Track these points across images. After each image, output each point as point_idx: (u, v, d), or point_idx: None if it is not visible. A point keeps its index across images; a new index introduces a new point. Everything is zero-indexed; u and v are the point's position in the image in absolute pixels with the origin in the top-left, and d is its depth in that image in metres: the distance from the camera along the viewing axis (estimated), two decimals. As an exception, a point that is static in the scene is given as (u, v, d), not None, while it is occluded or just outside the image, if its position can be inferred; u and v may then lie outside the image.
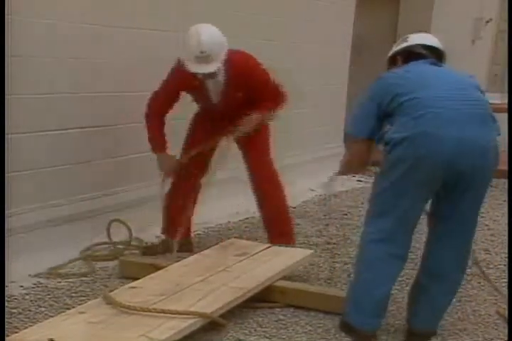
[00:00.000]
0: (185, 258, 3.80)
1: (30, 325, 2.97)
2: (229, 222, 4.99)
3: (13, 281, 3.54)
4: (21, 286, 3.55)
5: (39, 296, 3.46)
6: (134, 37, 4.39)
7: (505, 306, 3.50)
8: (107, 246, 4.22)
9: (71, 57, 4.01)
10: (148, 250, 4.22)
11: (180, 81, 3.87)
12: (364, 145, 3.13)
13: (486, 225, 5.28)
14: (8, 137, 3.40)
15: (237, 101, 3.95)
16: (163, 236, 4.28)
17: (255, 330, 3.19)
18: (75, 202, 4.16)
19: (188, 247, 4.23)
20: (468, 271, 3.50)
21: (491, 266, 4.29)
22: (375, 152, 3.19)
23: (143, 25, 4.44)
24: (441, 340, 3.20)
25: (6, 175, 3.35)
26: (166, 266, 3.59)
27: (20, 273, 3.60)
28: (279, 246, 4.00)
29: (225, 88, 3.91)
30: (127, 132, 4.42)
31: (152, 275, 3.44)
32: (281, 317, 3.35)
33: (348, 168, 3.35)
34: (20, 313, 3.24)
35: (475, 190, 2.98)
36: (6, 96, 3.22)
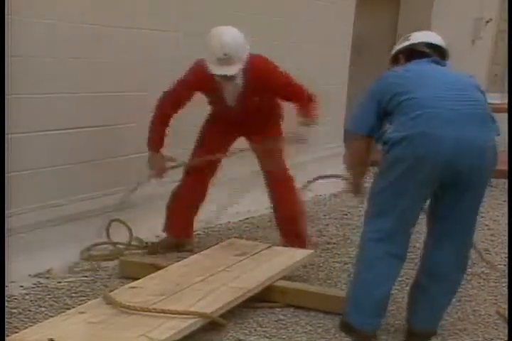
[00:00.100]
0: (185, 258, 3.81)
1: (30, 325, 2.97)
2: (229, 222, 4.99)
3: (13, 281, 3.53)
4: (21, 286, 3.55)
5: (39, 296, 3.46)
6: (134, 37, 4.39)
7: (505, 306, 3.50)
8: (107, 246, 4.22)
9: (71, 57, 4.01)
10: (149, 249, 4.22)
11: (198, 82, 3.87)
12: (363, 143, 3.12)
13: (486, 225, 5.28)
14: (8, 137, 3.39)
15: (253, 106, 3.95)
16: (164, 235, 4.28)
17: (255, 330, 3.19)
18: (75, 202, 4.16)
19: (188, 247, 4.24)
20: (468, 270, 3.50)
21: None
22: (374, 152, 3.19)
23: (143, 25, 4.44)
24: (441, 340, 3.20)
25: (6, 175, 3.35)
26: (166, 266, 3.60)
27: (20, 273, 3.60)
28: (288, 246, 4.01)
29: (242, 91, 3.91)
30: (127, 132, 4.42)
31: (152, 275, 3.44)
32: (282, 317, 3.35)
33: (349, 167, 3.36)
34: (20, 313, 3.24)
35: (473, 190, 2.98)
36: (6, 96, 3.22)
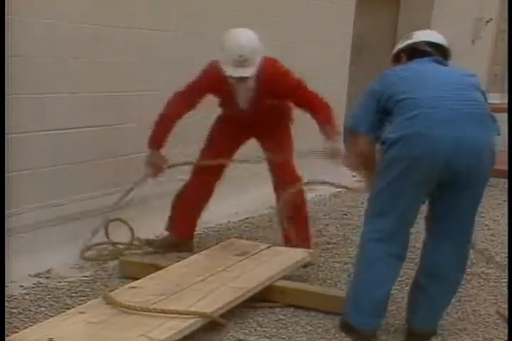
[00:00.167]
0: (185, 258, 3.81)
1: (30, 325, 2.97)
2: (229, 221, 4.99)
3: (13, 281, 3.53)
4: (21, 286, 3.55)
5: (39, 296, 3.46)
6: (134, 37, 4.39)
7: (505, 306, 3.50)
8: (106, 245, 4.22)
9: (71, 57, 4.01)
10: (156, 243, 4.22)
11: (211, 83, 3.86)
12: (364, 142, 3.12)
13: (486, 225, 5.28)
14: (8, 137, 3.40)
15: (265, 108, 3.95)
16: (165, 233, 4.28)
17: (255, 330, 3.19)
18: (75, 202, 4.16)
19: (188, 247, 4.24)
20: (468, 270, 3.51)
21: (491, 266, 4.28)
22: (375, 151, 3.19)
23: (143, 25, 4.44)
24: (441, 340, 3.20)
25: (6, 175, 3.35)
26: (166, 266, 3.60)
27: (20, 273, 3.60)
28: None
29: (254, 94, 3.91)
30: (127, 132, 4.42)
31: (152, 275, 3.44)
32: (282, 317, 3.35)
33: (353, 168, 3.36)
34: (20, 313, 3.24)
35: (472, 190, 2.98)
36: (6, 96, 3.22)
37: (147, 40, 4.49)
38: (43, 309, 3.31)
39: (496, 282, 4.00)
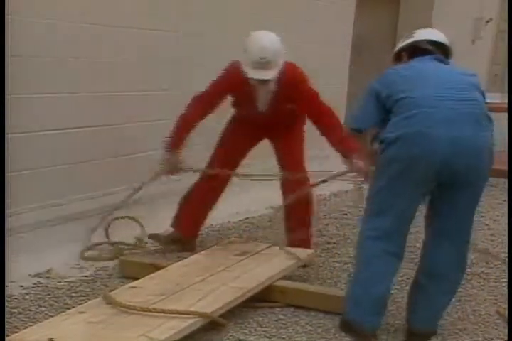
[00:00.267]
0: (185, 258, 3.81)
1: (30, 325, 2.97)
2: (229, 221, 4.99)
3: (13, 281, 3.53)
4: (21, 286, 3.55)
5: (39, 296, 3.46)
6: (134, 37, 4.39)
7: (505, 306, 3.50)
8: (106, 245, 4.22)
9: (71, 57, 4.01)
10: (164, 239, 4.23)
11: (232, 84, 3.86)
12: (364, 139, 3.12)
13: (486, 225, 5.28)
14: (8, 137, 3.40)
15: (284, 113, 3.95)
16: (171, 229, 4.28)
17: (255, 330, 3.19)
18: (75, 202, 4.16)
19: (191, 246, 4.24)
20: (468, 270, 3.51)
21: (491, 266, 4.29)
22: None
23: (143, 25, 4.44)
24: (441, 340, 3.20)
25: (6, 175, 3.35)
26: (166, 266, 3.60)
27: (20, 273, 3.60)
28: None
29: (274, 96, 3.91)
30: (127, 132, 4.43)
31: (152, 275, 3.44)
32: (282, 316, 3.35)
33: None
34: (20, 313, 3.24)
35: (471, 190, 2.98)
36: (6, 96, 3.22)
37: (147, 40, 4.49)
38: (43, 309, 3.31)
39: (496, 282, 4.00)
